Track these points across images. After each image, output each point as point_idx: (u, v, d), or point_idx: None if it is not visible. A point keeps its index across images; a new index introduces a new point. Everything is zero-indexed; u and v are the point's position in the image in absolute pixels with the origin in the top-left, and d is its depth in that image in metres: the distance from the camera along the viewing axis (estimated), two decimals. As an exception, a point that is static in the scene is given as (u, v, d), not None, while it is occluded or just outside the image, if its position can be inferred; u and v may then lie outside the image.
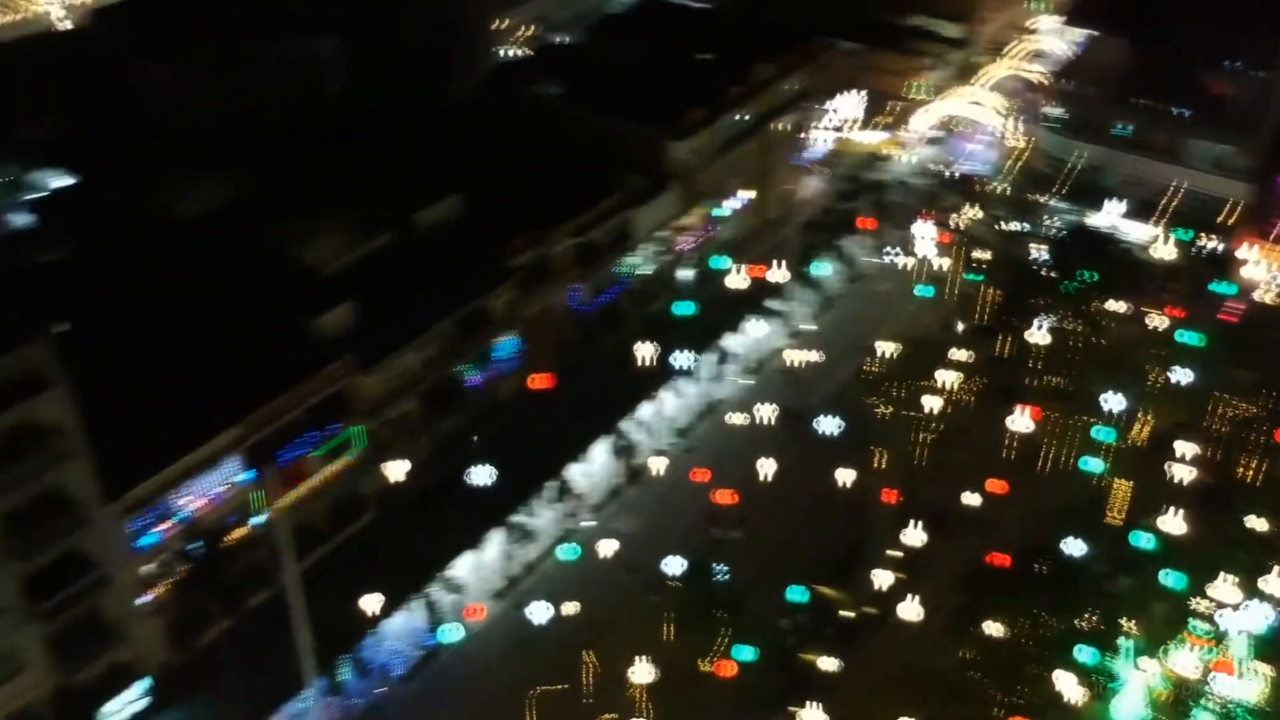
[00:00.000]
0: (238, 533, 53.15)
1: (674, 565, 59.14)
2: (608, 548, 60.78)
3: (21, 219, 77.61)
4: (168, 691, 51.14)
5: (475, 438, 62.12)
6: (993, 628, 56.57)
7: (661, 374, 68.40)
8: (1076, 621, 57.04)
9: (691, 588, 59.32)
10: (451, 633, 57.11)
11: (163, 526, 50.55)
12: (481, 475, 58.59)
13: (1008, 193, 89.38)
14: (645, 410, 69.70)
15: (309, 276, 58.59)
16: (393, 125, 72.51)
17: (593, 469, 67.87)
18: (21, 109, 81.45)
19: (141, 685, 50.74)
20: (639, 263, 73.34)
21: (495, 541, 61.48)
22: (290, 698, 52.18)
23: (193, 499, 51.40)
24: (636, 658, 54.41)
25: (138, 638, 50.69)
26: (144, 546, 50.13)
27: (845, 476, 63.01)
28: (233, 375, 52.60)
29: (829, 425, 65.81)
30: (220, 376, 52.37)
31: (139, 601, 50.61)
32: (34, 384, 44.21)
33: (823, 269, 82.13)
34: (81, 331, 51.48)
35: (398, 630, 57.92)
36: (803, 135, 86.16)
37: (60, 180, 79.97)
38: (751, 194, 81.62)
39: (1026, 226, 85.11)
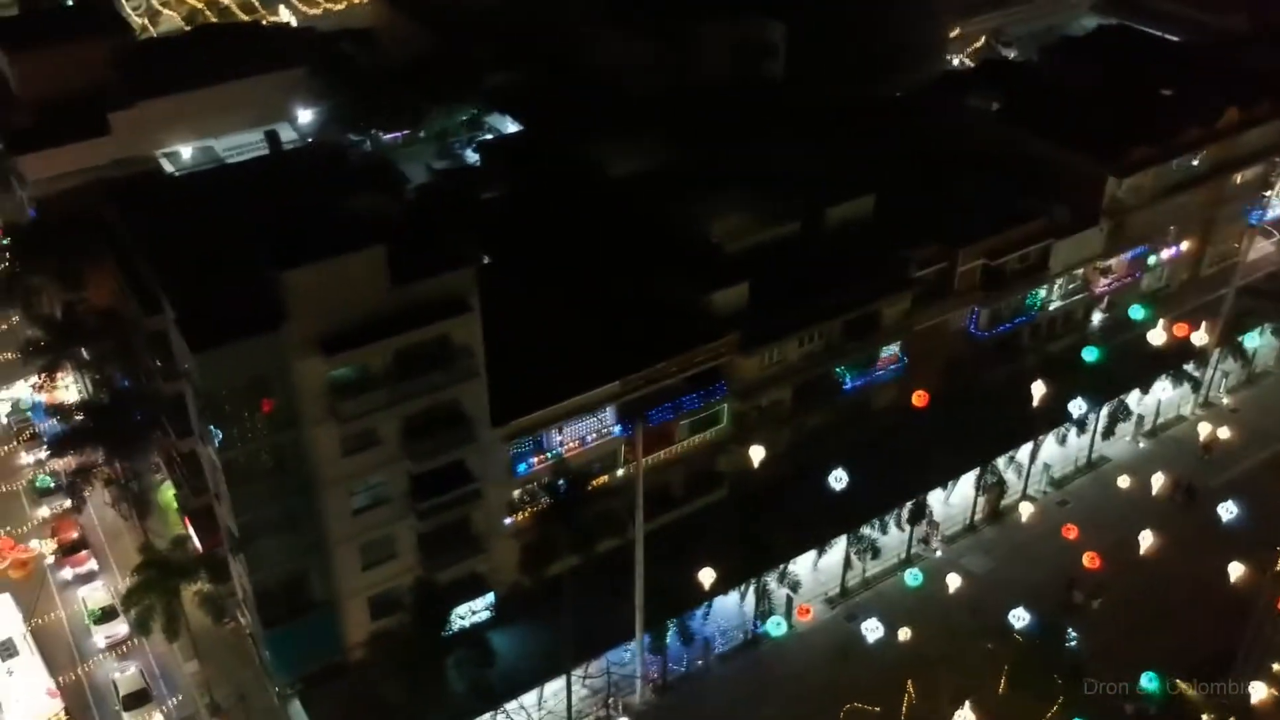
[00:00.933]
0: (600, 480, 55.73)
1: (1020, 617, 55.91)
2: (954, 582, 58.40)
3: (472, 156, 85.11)
4: (510, 610, 54.67)
5: (840, 439, 61.43)
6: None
7: (1050, 417, 64.47)
8: None
9: (1035, 645, 55.89)
10: (777, 626, 57.06)
11: (536, 459, 53.92)
12: (838, 479, 57.93)
13: None
14: (1024, 451, 66.09)
15: (712, 251, 60.03)
16: (822, 115, 72.61)
17: (954, 499, 65.39)
18: (489, 56, 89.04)
19: (489, 598, 54.58)
20: (1049, 297, 69.42)
21: (839, 548, 60.69)
22: (616, 645, 54.31)
23: (567, 440, 54.43)
24: (965, 701, 52.08)
25: (495, 554, 54.50)
26: (518, 473, 53.71)
27: (1237, 571, 56.93)
28: (624, 331, 55.06)
29: (1230, 511, 59.60)
30: (613, 330, 55.00)
31: (503, 522, 54.36)
32: (455, 306, 48.27)
33: (1256, 340, 74.13)
34: (502, 266, 55.64)
35: (727, 610, 58.71)
36: (1263, 193, 78.07)
37: (510, 126, 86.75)
38: (1189, 245, 75.13)
39: None
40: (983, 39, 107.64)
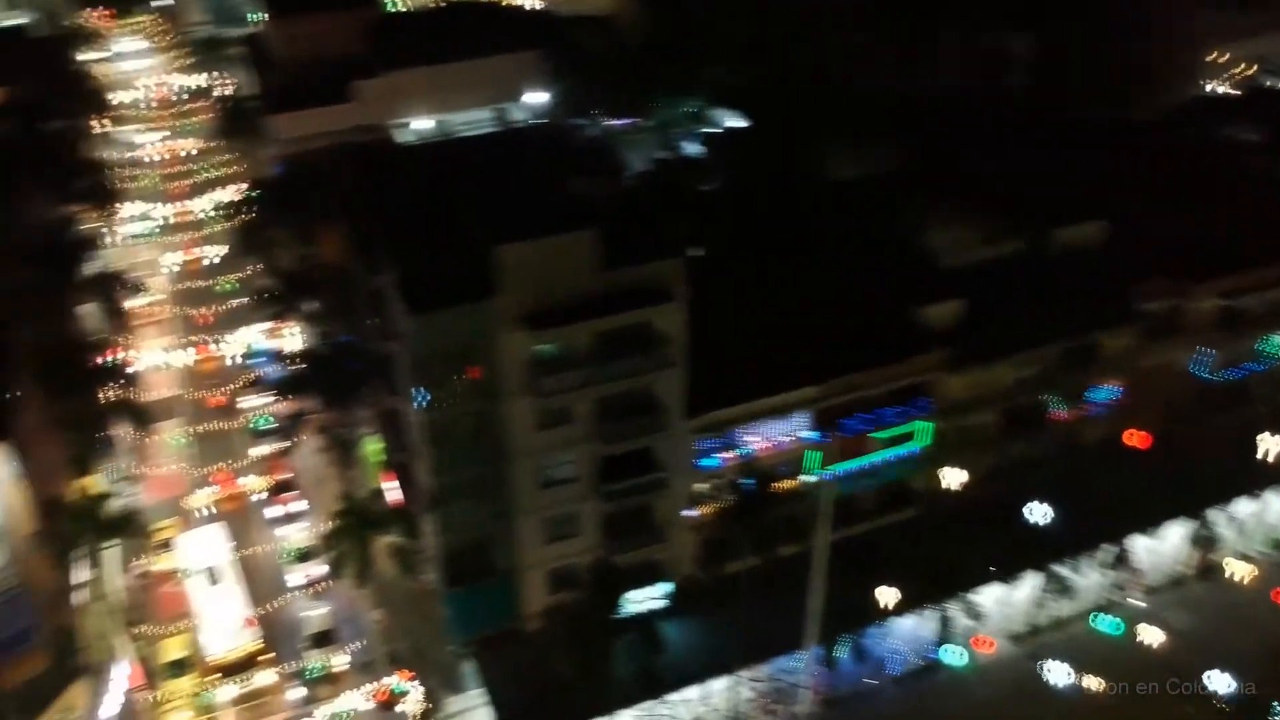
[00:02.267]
0: (787, 483, 55.04)
1: (1222, 683, 52.23)
2: (1152, 635, 55.15)
3: (693, 148, 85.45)
4: (683, 603, 54.70)
5: (1044, 471, 58.78)
6: None
7: (1276, 474, 59.95)
8: None
9: (1236, 716, 52.06)
10: (955, 655, 55.13)
11: (725, 455, 53.68)
12: (1037, 512, 55.40)
13: None
14: (1243, 507, 61.67)
15: (928, 263, 58.35)
16: (1062, 133, 69.51)
17: (1161, 548, 61.60)
18: (715, 51, 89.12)
19: (665, 588, 54.75)
20: (1290, 346, 64.57)
21: (1030, 583, 58.12)
22: (785, 652, 53.57)
23: (758, 439, 53.98)
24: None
25: (674, 545, 54.61)
26: (704, 466, 53.62)
27: None
28: (828, 335, 54.17)
29: None
30: (817, 334, 54.17)
31: (685, 513, 54.40)
32: (661, 294, 48.52)
33: None
34: (712, 259, 55.61)
35: (904, 631, 57.06)
36: None
37: (734, 121, 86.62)
38: None
39: None
40: (1247, 66, 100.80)
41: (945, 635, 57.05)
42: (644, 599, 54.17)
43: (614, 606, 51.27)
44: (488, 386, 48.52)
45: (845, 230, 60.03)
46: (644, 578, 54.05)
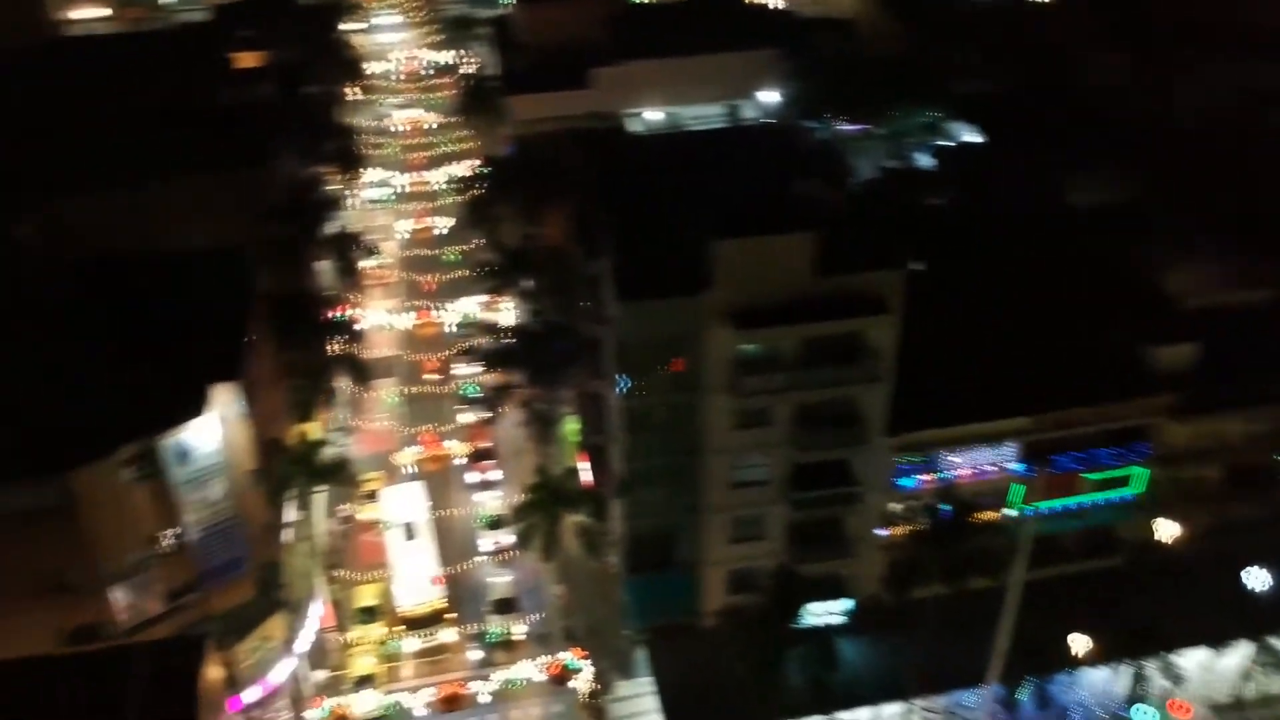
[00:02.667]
0: (986, 514, 53.07)
1: None
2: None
3: (924, 159, 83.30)
4: (864, 622, 53.55)
5: (1268, 535, 54.70)
6: None
7: None
8: None
9: None
10: (1147, 716, 52.01)
11: (924, 477, 52.25)
12: (1256, 578, 51.61)
13: None
14: None
15: (1164, 301, 55.14)
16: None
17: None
18: (965, 62, 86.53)
19: (846, 604, 53.73)
20: None
21: (1240, 652, 54.24)
22: (964, 687, 51.75)
23: (960, 465, 52.28)
24: None
25: (861, 562, 53.51)
26: (901, 486, 52.30)
27: None
28: (1047, 366, 51.94)
29: None
30: (1035, 363, 52.01)
31: (876, 532, 53.21)
32: (875, 306, 47.54)
33: None
34: (933, 275, 54.11)
35: (1094, 683, 54.23)
36: None
37: (970, 135, 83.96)
38: None
39: None
40: None
41: (1138, 694, 53.86)
42: (823, 612, 53.32)
43: (792, 616, 50.58)
44: (689, 380, 48.67)
45: (1078, 258, 57.38)
46: (826, 591, 53.20)
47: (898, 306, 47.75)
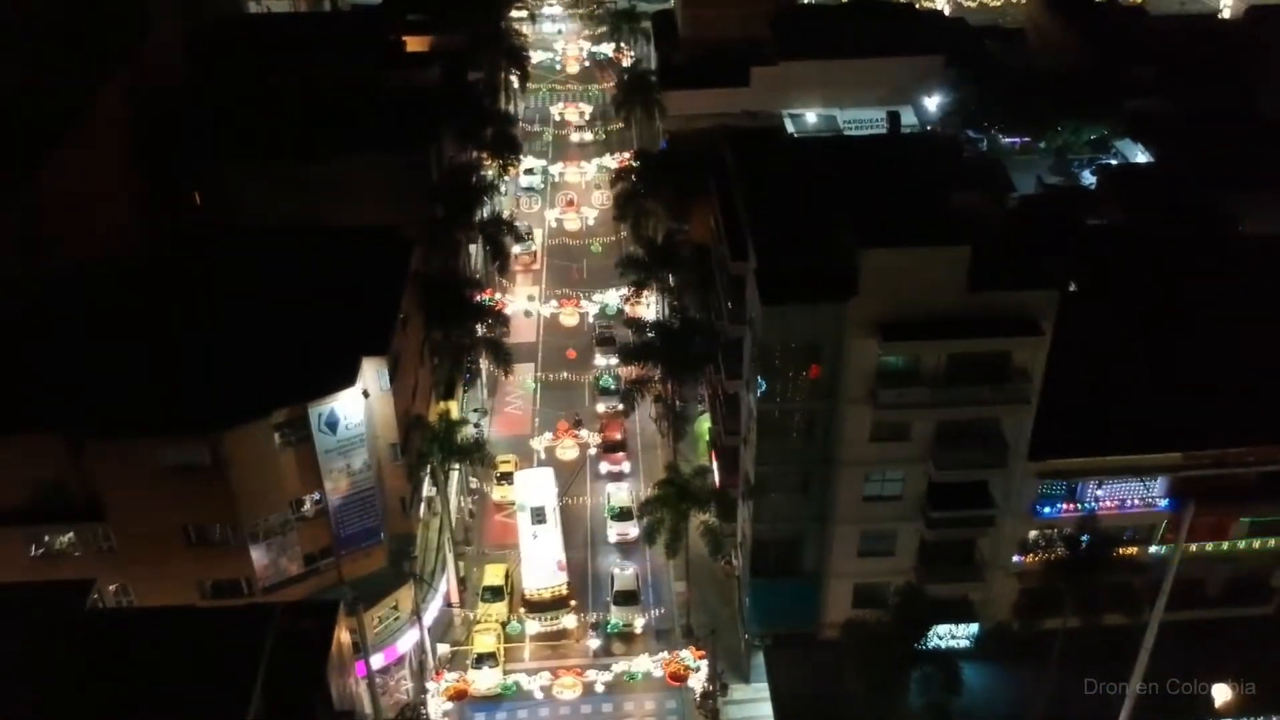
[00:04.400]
0: (1127, 549, 51.11)
1: None
2: None
3: (1086, 177, 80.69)
4: (991, 648, 52.13)
5: None
6: None
7: None
8: None
9: None
10: (1290, 778, 49.39)
11: (1065, 505, 50.55)
12: None
13: None
14: None
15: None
16: None
17: None
18: (1139, 79, 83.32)
19: (972, 628, 52.40)
20: None
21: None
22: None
23: (1104, 496, 50.43)
24: None
25: (992, 587, 52.13)
26: (1040, 513, 50.72)
27: None
28: (1205, 399, 49.72)
29: None
30: (1191, 395, 49.83)
31: (1011, 558, 51.74)
32: (1027, 326, 46.13)
33: None
34: (1089, 297, 52.35)
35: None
36: None
37: (1140, 155, 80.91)
38: None
39: None
40: None
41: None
42: (949, 635, 52.12)
43: (917, 635, 49.55)
44: (827, 387, 48.07)
45: (1245, 288, 54.69)
46: (953, 613, 51.95)
47: (1050, 328, 46.26)
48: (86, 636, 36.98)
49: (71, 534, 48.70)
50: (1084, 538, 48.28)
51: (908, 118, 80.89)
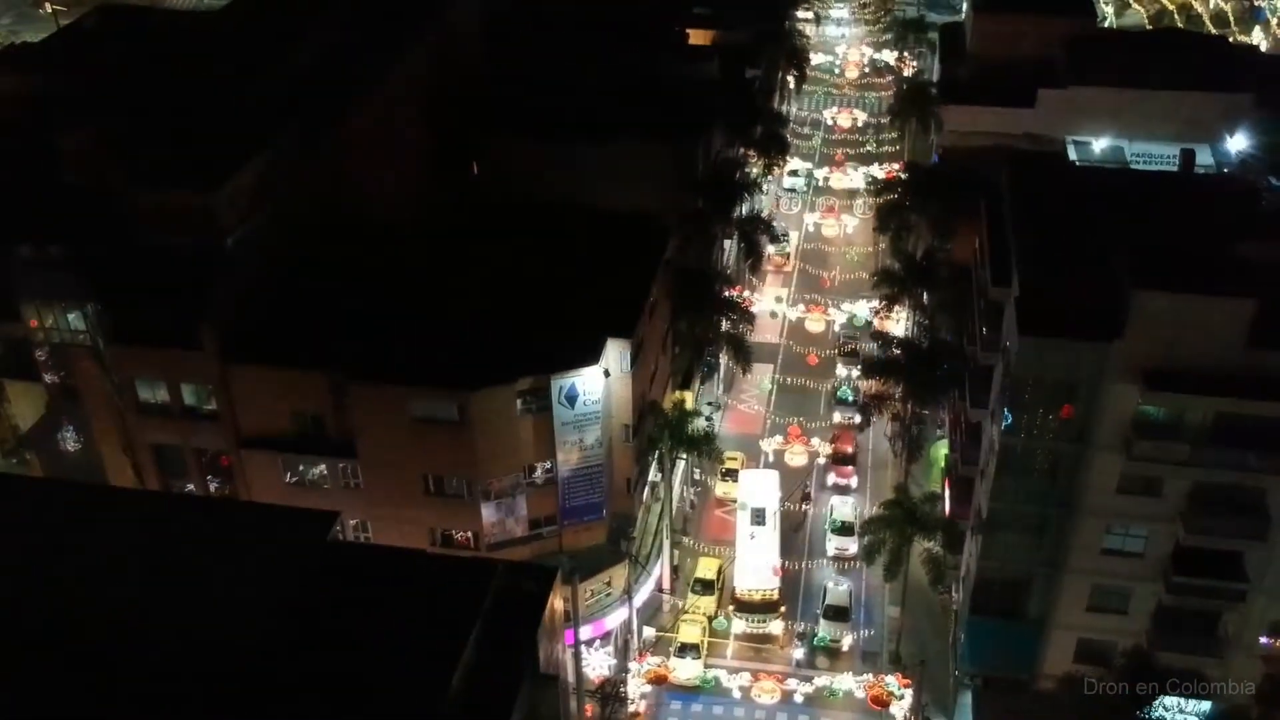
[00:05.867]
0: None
1: None
2: None
3: None
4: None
5: None
6: None
7: None
8: None
9: None
10: None
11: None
12: None
13: None
14: None
15: None
16: None
17: None
18: None
19: (1203, 706, 48.94)
20: None
21: None
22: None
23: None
24: None
25: (1234, 667, 48.51)
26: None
27: None
28: None
29: None
30: None
31: (1259, 639, 47.95)
32: None
33: None
34: None
35: None
36: None
37: None
38: None
39: None
40: None
41: None
42: (1176, 708, 48.80)
43: (1143, 704, 46.70)
44: (1077, 430, 45.80)
45: None
46: (1184, 686, 48.51)
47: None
48: (324, 563, 39.44)
49: (324, 467, 52.22)
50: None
51: (1203, 157, 75.57)
